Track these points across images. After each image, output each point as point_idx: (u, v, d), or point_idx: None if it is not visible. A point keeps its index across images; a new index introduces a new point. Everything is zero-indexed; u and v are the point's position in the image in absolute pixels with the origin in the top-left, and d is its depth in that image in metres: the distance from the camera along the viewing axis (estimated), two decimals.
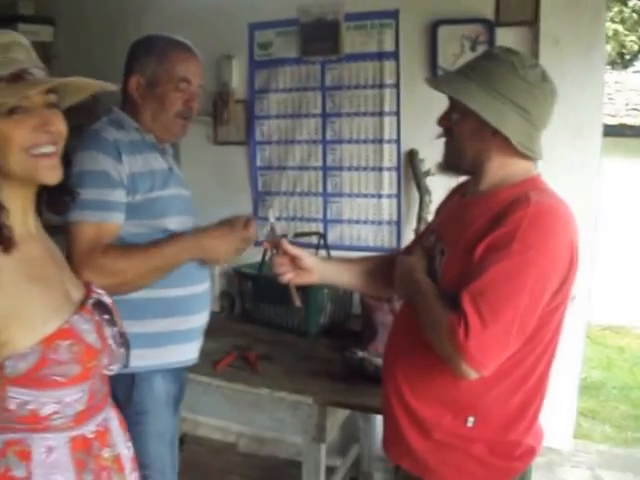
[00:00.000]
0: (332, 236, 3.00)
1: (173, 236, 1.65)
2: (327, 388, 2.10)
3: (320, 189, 3.01)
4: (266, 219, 3.01)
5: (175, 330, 1.73)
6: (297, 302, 1.63)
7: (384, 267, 1.69)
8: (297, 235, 2.89)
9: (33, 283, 1.08)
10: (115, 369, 1.23)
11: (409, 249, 1.70)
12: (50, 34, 3.39)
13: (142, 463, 1.53)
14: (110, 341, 1.19)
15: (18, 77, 1.04)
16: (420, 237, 1.69)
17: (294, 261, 1.62)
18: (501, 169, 1.38)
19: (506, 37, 2.52)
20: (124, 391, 1.63)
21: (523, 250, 1.23)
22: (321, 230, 3.00)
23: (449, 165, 1.46)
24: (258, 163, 3.12)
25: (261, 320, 2.78)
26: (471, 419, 1.36)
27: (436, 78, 1.49)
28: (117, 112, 1.74)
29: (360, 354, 2.18)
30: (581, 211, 2.45)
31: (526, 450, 1.41)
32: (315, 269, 1.65)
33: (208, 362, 2.25)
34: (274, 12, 2.95)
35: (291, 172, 3.05)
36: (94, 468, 1.12)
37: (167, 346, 1.72)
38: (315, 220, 3.04)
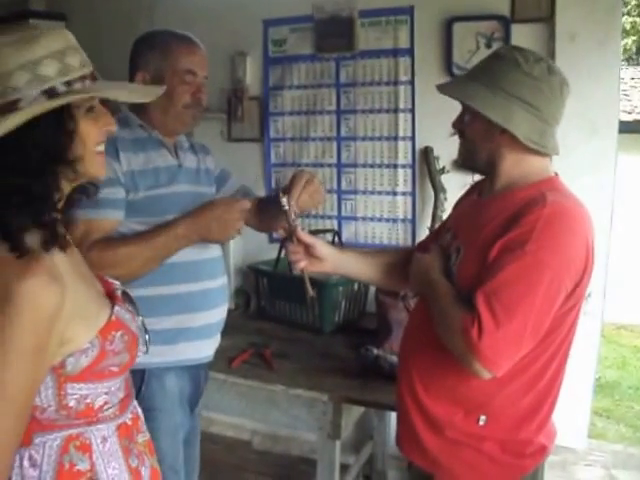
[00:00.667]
0: (346, 233, 3.00)
1: (164, 225, 1.61)
2: (342, 385, 2.10)
3: (335, 186, 3.01)
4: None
5: (188, 327, 1.71)
6: (310, 291, 1.60)
7: (401, 262, 1.68)
8: (311, 232, 2.87)
9: (81, 279, 1.11)
10: (140, 355, 1.25)
11: (424, 245, 1.70)
12: None
13: None
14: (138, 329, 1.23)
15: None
16: (436, 234, 1.68)
17: (308, 249, 1.60)
18: (515, 168, 1.38)
19: (522, 34, 2.51)
20: (134, 386, 1.64)
21: (537, 251, 1.23)
22: (335, 227, 3.00)
23: (464, 165, 1.50)
24: (272, 160, 3.13)
25: (276, 317, 2.79)
26: (483, 418, 1.37)
27: (446, 83, 1.49)
28: (124, 111, 1.74)
29: (375, 352, 2.18)
30: (597, 210, 2.43)
31: (537, 448, 1.41)
32: (329, 258, 1.63)
33: (223, 359, 2.25)
34: (288, 8, 2.94)
35: (305, 169, 3.03)
36: (136, 453, 1.18)
37: (180, 343, 1.70)
38: (329, 217, 3.04)
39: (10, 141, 0.96)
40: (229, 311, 2.90)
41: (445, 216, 2.67)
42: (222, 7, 3.08)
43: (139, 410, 1.26)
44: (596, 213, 2.41)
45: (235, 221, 1.64)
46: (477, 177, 2.57)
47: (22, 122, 0.96)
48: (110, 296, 1.19)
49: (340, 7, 2.81)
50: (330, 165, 3.00)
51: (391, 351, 2.18)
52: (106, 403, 1.12)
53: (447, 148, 2.69)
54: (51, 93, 0.99)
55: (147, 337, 1.26)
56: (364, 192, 2.95)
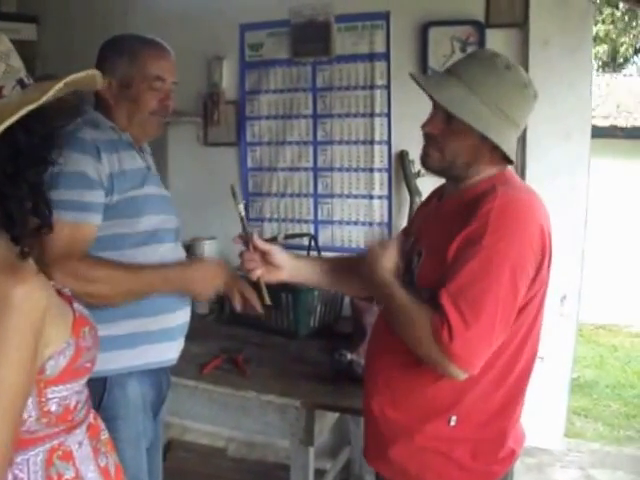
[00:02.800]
0: (323, 237, 2.99)
1: (157, 264, 1.62)
2: (315, 391, 2.08)
3: (311, 190, 3.00)
4: (259, 220, 3.07)
5: (148, 330, 1.67)
6: (267, 300, 1.60)
7: (358, 266, 1.66)
8: (287, 237, 2.88)
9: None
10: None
11: None
12: (33, 33, 3.32)
13: None
14: None
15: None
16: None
17: (264, 257, 1.59)
18: (482, 173, 1.39)
19: (496, 38, 2.53)
20: (95, 396, 1.54)
21: (494, 243, 1.23)
22: (312, 232, 2.99)
23: (432, 170, 1.45)
24: (249, 164, 3.11)
25: (251, 322, 2.73)
26: (454, 418, 1.35)
27: (432, 82, 1.43)
28: (91, 112, 1.70)
29: (349, 356, 2.16)
30: (571, 212, 2.50)
31: (507, 453, 1.40)
32: (286, 266, 1.62)
33: (194, 365, 2.23)
34: (265, 13, 2.93)
35: (282, 173, 3.04)
36: (104, 451, 1.19)
37: (140, 347, 1.66)
38: (306, 221, 3.03)
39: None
40: (202, 316, 2.93)
41: None
42: (198, 11, 3.06)
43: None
44: (570, 216, 2.49)
45: (218, 285, 1.69)
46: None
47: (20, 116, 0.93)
48: (59, 294, 1.18)
49: (317, 12, 2.81)
50: (306, 169, 2.99)
51: (365, 355, 2.18)
52: (78, 402, 1.12)
53: None
54: (22, 84, 0.99)
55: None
56: (340, 196, 2.95)
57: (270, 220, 3.10)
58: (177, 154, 3.25)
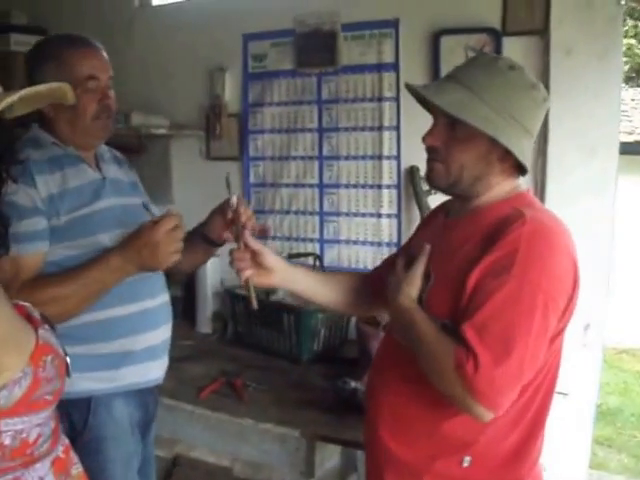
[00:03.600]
0: (329, 257, 2.84)
1: (96, 258, 1.49)
2: (317, 420, 1.96)
3: (316, 208, 2.85)
4: (262, 238, 2.93)
5: (130, 350, 1.60)
6: (254, 303, 1.46)
7: (355, 285, 1.58)
8: (291, 256, 2.73)
9: (7, 304, 1.05)
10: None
11: (381, 270, 1.57)
12: None
13: None
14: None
15: None
16: (394, 259, 1.49)
17: (255, 257, 1.46)
18: (494, 188, 1.28)
19: (513, 47, 2.35)
20: (80, 417, 1.53)
21: (524, 273, 1.12)
22: (317, 251, 2.84)
23: (440, 187, 1.32)
24: (251, 180, 2.97)
25: (253, 344, 2.63)
26: (467, 459, 1.24)
27: (431, 88, 1.31)
28: (34, 129, 1.59)
29: (353, 384, 2.04)
30: (597, 234, 2.31)
31: None
32: (278, 269, 1.50)
33: (193, 389, 2.17)
34: (269, 22, 2.81)
35: (286, 189, 2.90)
36: None
37: (123, 368, 1.59)
38: (311, 240, 2.88)
39: None
40: (206, 336, 2.82)
41: None
42: (201, 22, 2.96)
43: (67, 440, 1.17)
44: (596, 237, 2.30)
45: (166, 244, 1.46)
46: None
47: None
48: (28, 320, 1.09)
49: (322, 21, 2.68)
50: (312, 186, 2.85)
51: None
52: (40, 436, 1.04)
53: None
54: None
55: (68, 361, 1.15)
56: (347, 214, 2.79)
57: (274, 238, 2.95)
58: (180, 168, 3.15)
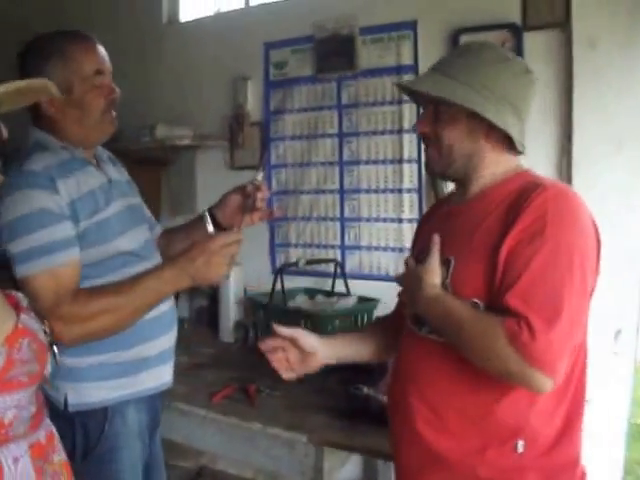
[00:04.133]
0: (350, 264, 2.79)
1: (149, 271, 1.49)
2: (326, 426, 1.90)
3: (337, 213, 2.82)
4: (285, 245, 2.91)
5: (147, 356, 1.58)
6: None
7: (388, 328, 1.56)
8: (309, 262, 2.70)
9: None
10: (49, 370, 1.18)
11: (400, 304, 1.52)
12: None
13: None
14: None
15: None
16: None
17: (292, 343, 1.45)
18: (491, 167, 1.29)
19: (535, 42, 2.30)
20: (96, 427, 1.51)
21: (558, 233, 1.13)
22: (339, 257, 2.79)
23: (438, 173, 1.37)
24: (274, 187, 2.96)
25: None
26: (520, 443, 1.19)
27: (412, 80, 1.44)
28: (37, 133, 1.54)
29: (366, 390, 1.98)
30: (625, 236, 2.18)
31: (579, 477, 1.25)
32: (318, 350, 1.47)
33: (206, 394, 2.16)
34: (289, 30, 2.83)
35: (307, 196, 2.88)
36: (51, 473, 1.14)
37: (141, 373, 1.58)
38: (332, 247, 2.84)
39: None
40: (228, 345, 2.80)
41: None
42: (224, 34, 3.03)
43: (54, 429, 1.20)
44: (625, 240, 2.18)
45: (220, 256, 1.45)
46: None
47: None
48: (14, 307, 1.13)
49: (340, 25, 2.68)
50: (332, 191, 2.82)
51: (385, 391, 1.95)
52: (16, 418, 1.06)
53: None
54: None
55: (55, 350, 1.19)
56: (368, 219, 2.74)
57: (296, 246, 2.93)
58: (205, 178, 3.18)
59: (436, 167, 1.33)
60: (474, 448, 1.21)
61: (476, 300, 1.19)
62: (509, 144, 1.26)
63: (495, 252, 1.16)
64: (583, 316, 1.16)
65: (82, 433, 1.49)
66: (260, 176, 1.66)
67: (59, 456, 1.18)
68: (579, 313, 1.13)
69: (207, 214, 1.64)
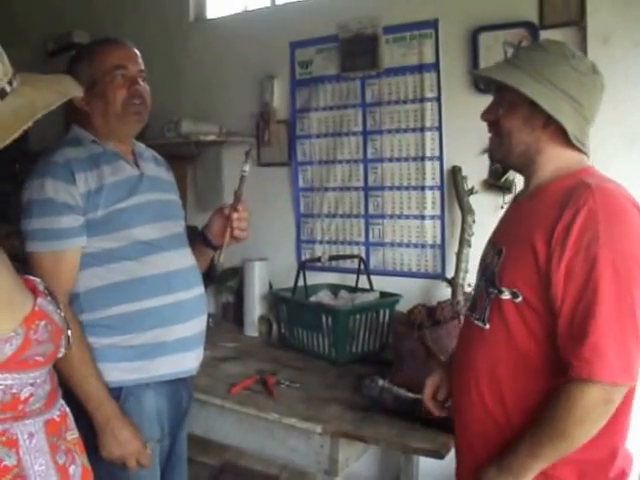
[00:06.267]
0: (374, 260, 2.84)
1: (101, 386, 1.55)
2: (342, 417, 1.95)
3: (362, 210, 2.86)
4: (310, 241, 2.97)
5: (163, 341, 1.64)
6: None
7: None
8: (332, 258, 2.75)
9: (7, 270, 1.15)
10: (62, 351, 1.23)
11: None
12: None
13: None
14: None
15: None
16: None
17: None
18: (552, 162, 1.32)
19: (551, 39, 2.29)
20: None
21: (609, 243, 1.14)
22: (363, 254, 2.84)
23: (496, 159, 1.45)
24: (300, 184, 3.03)
25: (295, 346, 2.66)
26: None
27: (483, 69, 1.48)
28: (75, 130, 1.70)
29: (381, 383, 2.01)
30: None
31: (617, 473, 1.26)
32: None
33: (226, 385, 2.20)
34: (314, 29, 2.88)
35: (332, 193, 2.93)
36: (64, 449, 1.18)
37: (156, 358, 1.63)
38: (357, 243, 2.89)
39: None
40: (252, 339, 2.87)
41: (473, 241, 2.47)
42: (251, 33, 3.08)
43: (67, 408, 1.25)
44: None
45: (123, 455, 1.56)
46: (508, 198, 2.40)
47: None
48: (32, 291, 1.19)
49: (364, 25, 2.71)
50: (357, 189, 2.87)
51: (401, 383, 2.00)
52: (32, 395, 1.12)
53: (476, 167, 2.52)
54: (2, 94, 1.01)
55: (68, 333, 1.24)
56: (392, 216, 2.78)
57: (321, 242, 2.99)
58: (231, 175, 3.19)
59: (495, 154, 1.39)
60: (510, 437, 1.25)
61: (516, 290, 1.25)
62: (568, 139, 1.27)
63: (534, 244, 1.21)
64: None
65: None
66: (239, 196, 1.79)
67: (72, 434, 1.23)
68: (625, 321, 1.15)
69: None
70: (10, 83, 1.03)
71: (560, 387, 1.16)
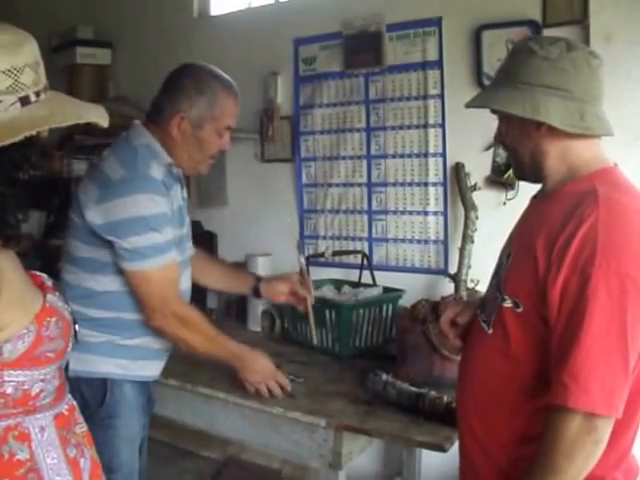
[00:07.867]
0: (377, 256, 2.87)
1: (232, 342, 1.89)
2: (346, 411, 1.97)
3: (365, 206, 2.89)
4: (313, 237, 3.00)
5: (150, 348, 1.78)
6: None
7: None
8: (335, 253, 2.78)
9: (19, 269, 1.17)
10: (71, 346, 1.26)
11: None
12: (108, 57, 3.52)
13: (110, 467, 1.56)
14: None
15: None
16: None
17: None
18: (563, 161, 1.27)
19: None
20: (95, 394, 1.68)
21: (607, 261, 1.09)
22: (366, 250, 2.86)
23: (518, 177, 1.46)
24: (304, 180, 3.05)
25: (298, 340, 2.67)
26: None
27: (473, 98, 1.39)
28: (148, 136, 1.69)
29: (384, 377, 2.03)
30: None
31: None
32: None
33: (229, 379, 2.17)
34: (318, 26, 2.89)
35: (336, 189, 2.96)
36: (74, 443, 1.21)
37: (140, 361, 1.77)
38: (360, 239, 2.92)
39: None
40: (254, 333, 2.89)
41: (476, 237, 2.49)
42: (255, 30, 3.10)
43: (74, 402, 1.29)
44: None
45: (260, 383, 1.96)
46: (510, 194, 2.43)
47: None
48: (40, 287, 1.22)
49: (368, 22, 2.73)
50: (360, 185, 2.89)
51: (405, 378, 2.03)
52: (42, 391, 1.15)
53: (479, 163, 2.54)
54: (25, 101, 1.03)
55: (76, 328, 1.27)
56: (395, 212, 2.81)
57: (325, 238, 3.01)
58: (235, 171, 3.27)
59: (515, 172, 1.40)
60: (514, 439, 1.25)
61: (517, 300, 1.22)
62: (568, 134, 1.23)
63: (534, 251, 1.18)
64: (636, 348, 1.12)
65: (80, 399, 1.59)
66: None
67: (81, 428, 1.27)
68: (633, 347, 1.10)
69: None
70: (37, 94, 1.05)
71: (547, 416, 1.13)
